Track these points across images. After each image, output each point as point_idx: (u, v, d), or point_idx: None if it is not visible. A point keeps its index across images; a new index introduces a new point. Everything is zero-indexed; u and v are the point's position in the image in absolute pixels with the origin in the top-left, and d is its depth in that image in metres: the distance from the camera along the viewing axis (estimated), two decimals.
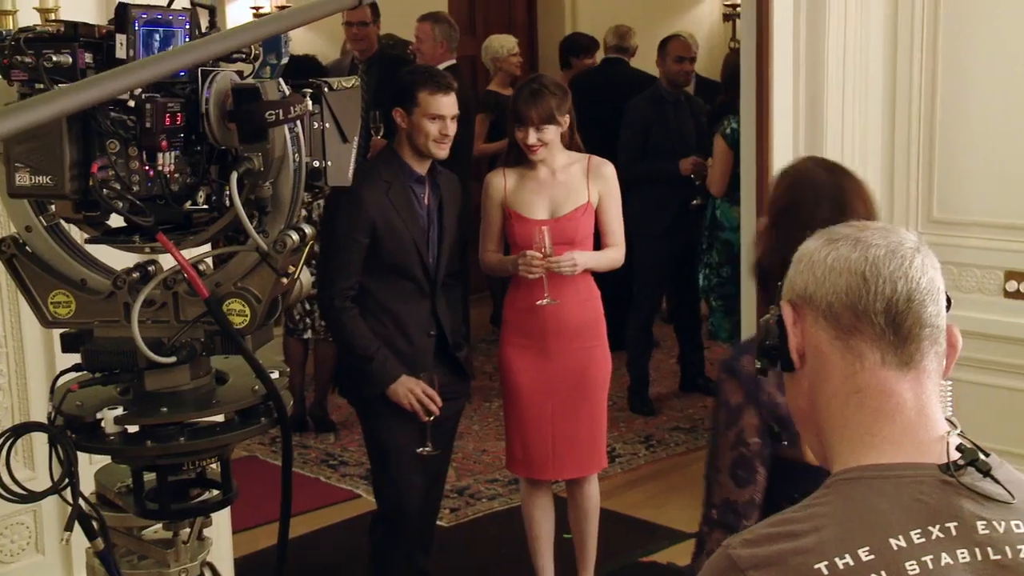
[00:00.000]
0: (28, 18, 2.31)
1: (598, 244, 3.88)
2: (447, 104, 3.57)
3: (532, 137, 3.68)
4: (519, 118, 3.71)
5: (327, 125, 1.89)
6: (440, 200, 3.68)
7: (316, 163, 1.87)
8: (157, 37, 1.61)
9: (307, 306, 5.72)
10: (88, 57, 1.58)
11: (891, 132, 4.36)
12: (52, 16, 2.34)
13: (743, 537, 1.33)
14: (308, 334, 5.84)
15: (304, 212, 5.62)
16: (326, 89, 1.89)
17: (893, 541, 1.27)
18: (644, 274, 6.00)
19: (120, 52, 1.57)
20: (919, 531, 1.28)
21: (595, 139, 6.23)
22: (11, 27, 2.22)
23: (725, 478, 2.26)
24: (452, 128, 3.59)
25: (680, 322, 6.37)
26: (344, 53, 6.68)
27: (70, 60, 1.56)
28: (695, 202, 5.69)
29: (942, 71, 4.22)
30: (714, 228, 5.50)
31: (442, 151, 3.59)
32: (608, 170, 3.85)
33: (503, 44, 6.85)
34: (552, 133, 3.71)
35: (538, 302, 3.66)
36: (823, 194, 2.24)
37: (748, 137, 4.32)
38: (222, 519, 3.00)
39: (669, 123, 5.85)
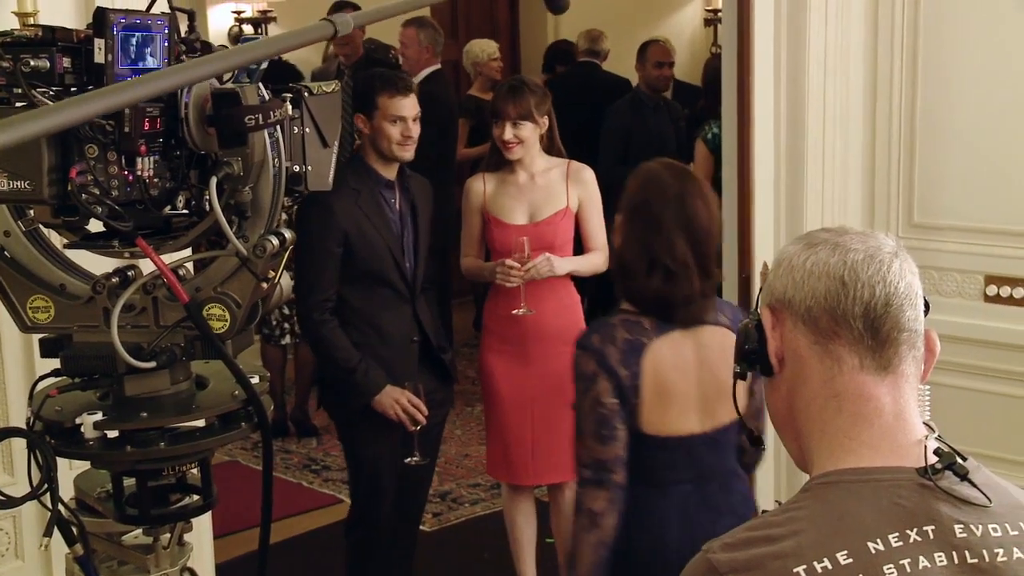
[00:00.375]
0: (5, 22, 2.31)
1: (579, 250, 3.89)
2: (407, 105, 3.57)
3: (508, 132, 3.69)
4: (496, 114, 3.72)
5: (307, 130, 1.89)
6: (412, 204, 3.67)
7: (296, 167, 1.87)
8: (135, 41, 1.60)
9: (285, 311, 5.71)
10: (67, 62, 1.58)
11: (871, 136, 4.38)
12: (31, 20, 2.35)
13: (723, 541, 1.34)
14: (287, 339, 5.83)
15: (285, 216, 5.61)
16: (306, 94, 1.90)
17: (871, 544, 1.27)
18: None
19: (99, 57, 1.57)
20: (897, 534, 1.28)
21: (569, 142, 6.29)
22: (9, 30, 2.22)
23: (591, 440, 2.51)
24: (415, 129, 3.58)
25: None
26: (328, 59, 6.68)
27: (48, 65, 1.55)
28: None
29: (922, 75, 4.25)
30: None
31: (406, 153, 3.58)
32: (588, 175, 3.86)
33: (484, 48, 6.87)
34: (529, 131, 3.71)
35: (514, 311, 3.67)
36: (669, 195, 2.54)
37: (730, 142, 4.33)
38: (203, 524, 2.99)
39: (649, 127, 5.88)
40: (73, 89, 1.62)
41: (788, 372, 1.41)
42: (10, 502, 1.85)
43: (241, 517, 4.66)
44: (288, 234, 1.82)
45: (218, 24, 6.98)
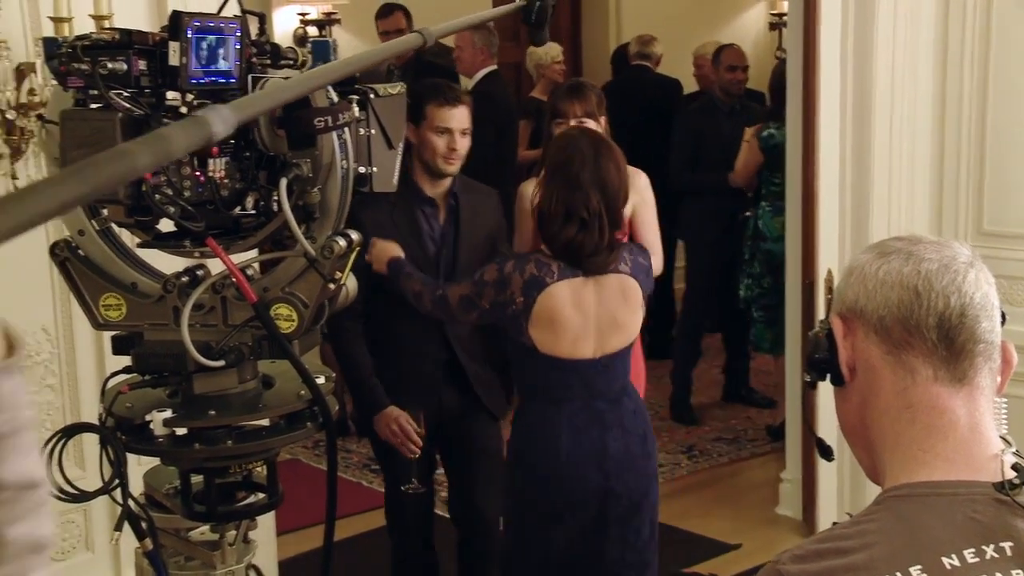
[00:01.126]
0: (83, 26, 2.36)
1: None
2: (455, 116, 3.41)
3: None
4: (558, 113, 3.67)
5: (373, 131, 1.90)
6: (458, 223, 3.53)
7: (362, 169, 1.89)
8: (208, 44, 1.63)
9: None
10: (142, 64, 1.61)
11: (940, 142, 4.32)
12: (106, 23, 2.39)
13: (792, 553, 1.32)
14: None
15: None
16: (372, 96, 1.91)
17: (945, 560, 1.25)
18: (693, 283, 6.00)
19: (173, 59, 1.59)
20: (973, 550, 1.26)
21: (624, 146, 6.27)
22: (67, 34, 2.27)
23: (458, 304, 3.04)
24: (462, 143, 3.43)
25: (727, 332, 6.34)
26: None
27: (125, 67, 1.58)
28: (747, 213, 5.67)
29: (993, 80, 4.18)
30: (756, 238, 5.48)
31: (451, 167, 3.44)
32: (642, 180, 3.82)
33: (547, 51, 6.87)
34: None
35: None
36: (586, 157, 2.95)
37: (794, 147, 4.30)
38: (267, 522, 3.03)
39: (722, 132, 5.83)
40: (147, 91, 1.65)
41: (860, 382, 1.40)
42: (82, 496, 1.89)
43: (303, 515, 4.69)
44: (355, 236, 1.84)
45: (284, 26, 7.05)
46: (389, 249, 3.28)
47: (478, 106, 4.58)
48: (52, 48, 1.68)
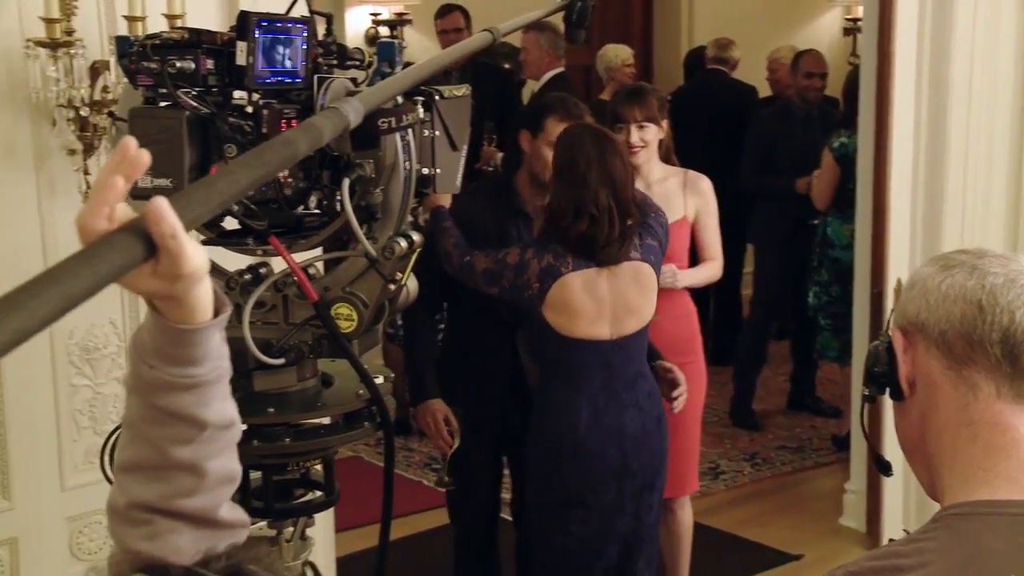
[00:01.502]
0: (156, 25, 2.39)
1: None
2: None
3: (634, 135, 3.62)
4: (619, 118, 3.65)
5: (437, 133, 1.90)
6: None
7: (425, 170, 1.89)
8: (275, 44, 1.64)
9: None
10: (210, 63, 1.62)
11: (1019, 152, 4.23)
12: (178, 23, 2.42)
13: (847, 569, 1.29)
14: None
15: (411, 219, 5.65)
16: (437, 97, 1.91)
17: None
18: (759, 288, 5.94)
19: (240, 59, 1.61)
20: None
21: (696, 150, 6.22)
22: (140, 32, 2.30)
23: (483, 277, 3.12)
24: None
25: (795, 339, 6.27)
26: None
27: (193, 66, 1.60)
28: (816, 220, 5.60)
29: None
30: (824, 246, 5.41)
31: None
32: (705, 185, 3.79)
33: (617, 54, 6.84)
34: (653, 134, 3.65)
35: None
36: (591, 156, 3.03)
37: (865, 155, 4.23)
38: (325, 519, 3.04)
39: (796, 139, 5.75)
40: (214, 89, 1.67)
41: (920, 397, 1.37)
42: None
43: (362, 512, 4.71)
44: (416, 237, 1.84)
45: (355, 26, 7.10)
46: (438, 197, 3.23)
47: None
48: (124, 47, 1.70)
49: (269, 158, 1.14)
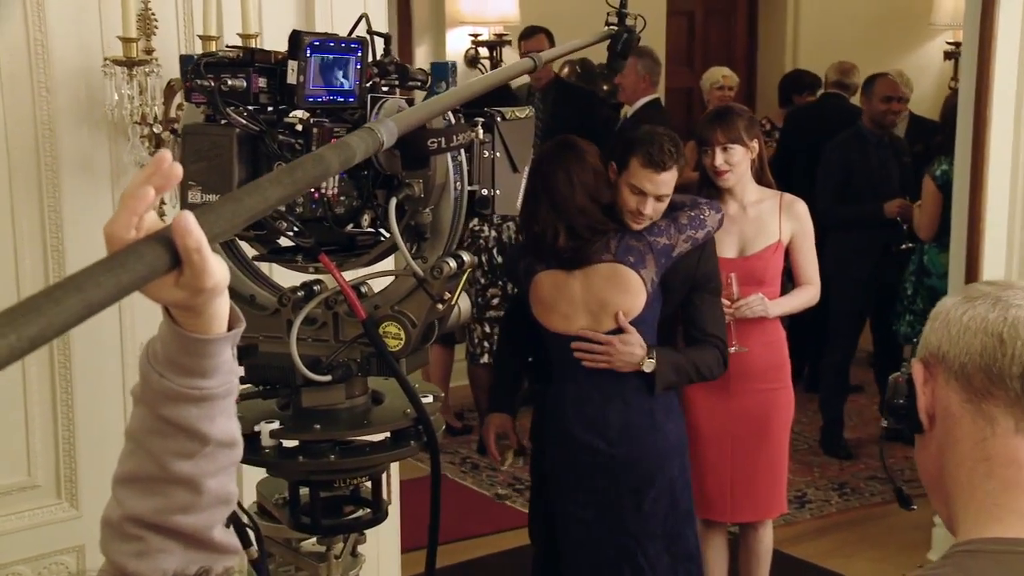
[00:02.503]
0: (233, 44, 2.44)
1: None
2: (657, 182, 3.15)
3: (719, 158, 3.57)
4: (703, 141, 3.60)
5: (498, 154, 1.90)
6: None
7: (485, 191, 1.89)
8: (328, 63, 1.65)
9: (487, 329, 5.75)
10: (262, 82, 1.64)
11: None
12: (253, 42, 2.46)
13: None
14: (486, 358, 5.85)
15: (494, 233, 5.65)
16: (499, 119, 1.91)
17: None
18: (840, 318, 5.79)
19: (291, 77, 1.63)
20: None
21: (808, 173, 6.12)
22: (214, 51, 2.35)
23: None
24: (655, 208, 3.19)
25: (881, 369, 6.12)
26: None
27: (244, 84, 1.62)
28: (906, 246, 5.46)
29: None
30: (921, 274, 5.27)
31: (637, 225, 3.23)
32: (801, 208, 3.72)
33: (711, 76, 6.84)
34: (740, 156, 3.59)
35: (729, 349, 3.54)
36: (537, 170, 3.05)
37: (961, 181, 4.12)
38: (388, 537, 3.05)
39: (871, 164, 5.64)
40: (269, 109, 1.69)
41: (939, 431, 1.33)
42: None
43: (443, 531, 4.74)
44: (467, 257, 1.84)
45: (455, 46, 7.14)
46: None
47: None
48: (186, 65, 1.74)
49: (300, 176, 1.14)
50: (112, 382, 2.62)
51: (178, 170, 1.04)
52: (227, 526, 1.29)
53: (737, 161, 3.59)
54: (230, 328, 1.16)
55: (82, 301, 0.88)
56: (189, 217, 0.99)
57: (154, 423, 1.18)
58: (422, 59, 6.92)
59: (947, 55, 8.06)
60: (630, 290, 3.23)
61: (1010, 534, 1.25)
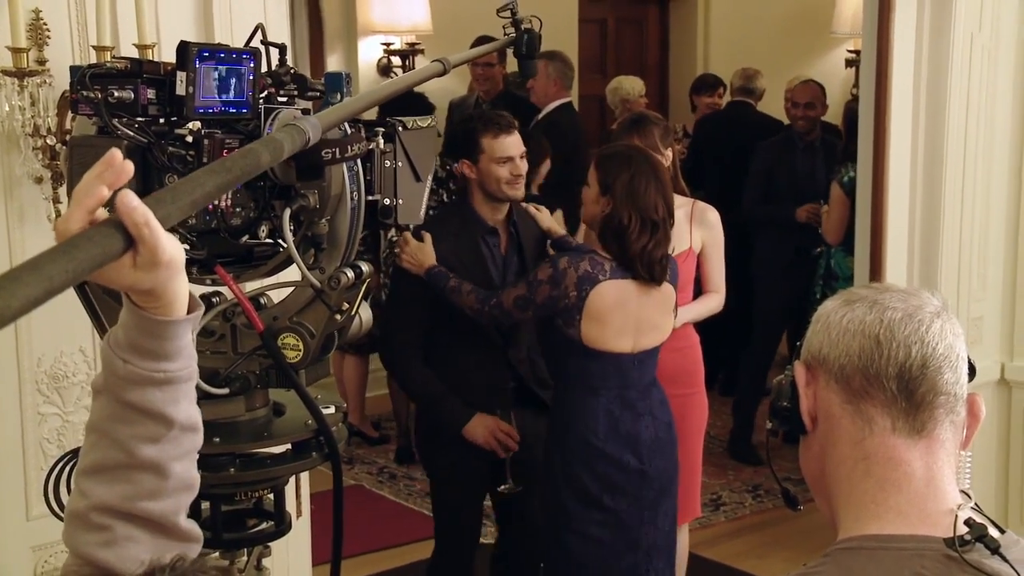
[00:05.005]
0: (129, 55, 2.40)
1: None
2: (513, 144, 3.41)
3: None
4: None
5: (399, 164, 1.90)
6: (520, 249, 3.55)
7: (387, 201, 1.89)
8: (218, 75, 1.64)
9: None
10: (151, 93, 1.63)
11: (1018, 182, 4.20)
12: (150, 53, 2.43)
13: None
14: None
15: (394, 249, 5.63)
16: (400, 128, 1.91)
17: None
18: (759, 318, 5.90)
19: (180, 89, 1.61)
20: None
21: (716, 180, 6.20)
22: (102, 62, 2.31)
23: (512, 303, 3.23)
24: (522, 166, 3.45)
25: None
26: (470, 91, 6.75)
27: (132, 96, 1.60)
28: (818, 250, 5.56)
29: None
30: (829, 278, 5.37)
31: (517, 191, 3.45)
32: (712, 216, 3.76)
33: (633, 86, 6.85)
34: None
35: None
36: (648, 174, 3.18)
37: (864, 186, 4.20)
38: (299, 549, 3.02)
39: (796, 168, 5.74)
40: (161, 121, 1.67)
41: (821, 431, 1.37)
42: None
43: (360, 542, 4.70)
44: (365, 267, 1.84)
45: (368, 55, 7.11)
46: (427, 255, 3.37)
47: (545, 135, 4.48)
48: (74, 76, 1.71)
49: (231, 165, 1.22)
50: (8, 401, 2.56)
51: (129, 167, 1.11)
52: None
53: None
54: (189, 312, 1.21)
55: (42, 280, 0.93)
56: (129, 194, 1.05)
57: (119, 410, 1.22)
58: (334, 67, 6.89)
59: (848, 63, 8.23)
60: (672, 311, 3.36)
61: (887, 531, 1.28)
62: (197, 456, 1.31)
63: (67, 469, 1.89)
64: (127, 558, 1.23)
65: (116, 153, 1.10)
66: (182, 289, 1.18)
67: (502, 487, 3.52)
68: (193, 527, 1.31)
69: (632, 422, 3.25)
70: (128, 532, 1.24)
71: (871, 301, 1.33)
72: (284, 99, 1.84)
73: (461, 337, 3.47)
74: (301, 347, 1.79)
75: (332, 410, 1.90)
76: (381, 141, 1.88)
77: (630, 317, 3.21)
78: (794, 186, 5.73)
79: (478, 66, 6.28)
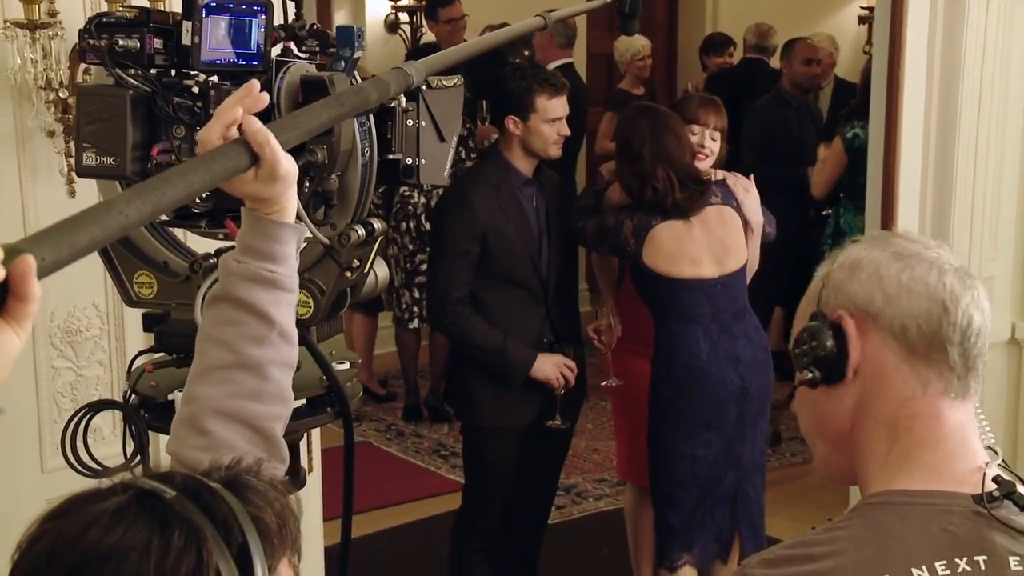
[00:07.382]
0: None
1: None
2: (563, 106, 3.53)
3: (706, 139, 3.60)
4: (693, 120, 3.61)
5: (423, 123, 1.85)
6: (547, 202, 3.61)
7: (409, 160, 1.85)
8: (225, 25, 1.61)
9: (415, 294, 5.74)
10: (158, 43, 1.60)
11: None
12: (162, 4, 2.40)
13: (761, 557, 1.29)
14: (415, 323, 5.84)
15: (423, 200, 5.63)
16: (424, 87, 1.87)
17: (915, 571, 1.21)
18: (760, 281, 5.85)
19: (186, 39, 1.59)
20: (944, 562, 1.21)
21: (732, 138, 6.14)
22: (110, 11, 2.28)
23: (603, 231, 3.53)
24: (565, 128, 3.56)
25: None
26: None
27: (138, 45, 1.58)
28: (826, 212, 5.52)
29: None
30: (838, 236, 5.33)
31: (558, 151, 3.56)
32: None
33: (629, 47, 6.76)
34: (718, 146, 3.65)
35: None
36: (645, 137, 3.44)
37: (876, 145, 4.16)
38: (310, 505, 3.02)
39: (791, 128, 5.68)
40: (173, 73, 1.65)
41: (862, 386, 1.32)
42: (103, 471, 1.90)
43: (368, 498, 4.72)
44: (378, 225, 1.81)
45: (375, 11, 7.07)
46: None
47: None
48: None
49: (344, 100, 1.45)
50: (22, 355, 2.55)
51: (265, 97, 1.35)
52: None
53: (715, 150, 3.63)
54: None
55: (186, 182, 1.13)
56: (255, 120, 1.30)
57: (228, 311, 1.40)
58: (341, 23, 6.83)
59: (861, 19, 8.14)
60: (740, 232, 3.56)
61: (916, 486, 1.27)
62: (291, 375, 1.45)
63: (84, 422, 1.88)
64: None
65: (255, 83, 1.34)
66: (293, 200, 1.40)
67: (551, 421, 3.61)
68: (284, 446, 1.44)
69: (730, 343, 3.46)
70: (228, 436, 1.37)
71: (928, 261, 1.31)
72: (305, 55, 1.80)
73: (505, 291, 3.55)
74: (311, 304, 1.77)
75: (347, 366, 1.89)
76: (403, 99, 1.84)
77: (700, 247, 3.44)
78: (793, 145, 5.67)
79: (453, 20, 6.10)
